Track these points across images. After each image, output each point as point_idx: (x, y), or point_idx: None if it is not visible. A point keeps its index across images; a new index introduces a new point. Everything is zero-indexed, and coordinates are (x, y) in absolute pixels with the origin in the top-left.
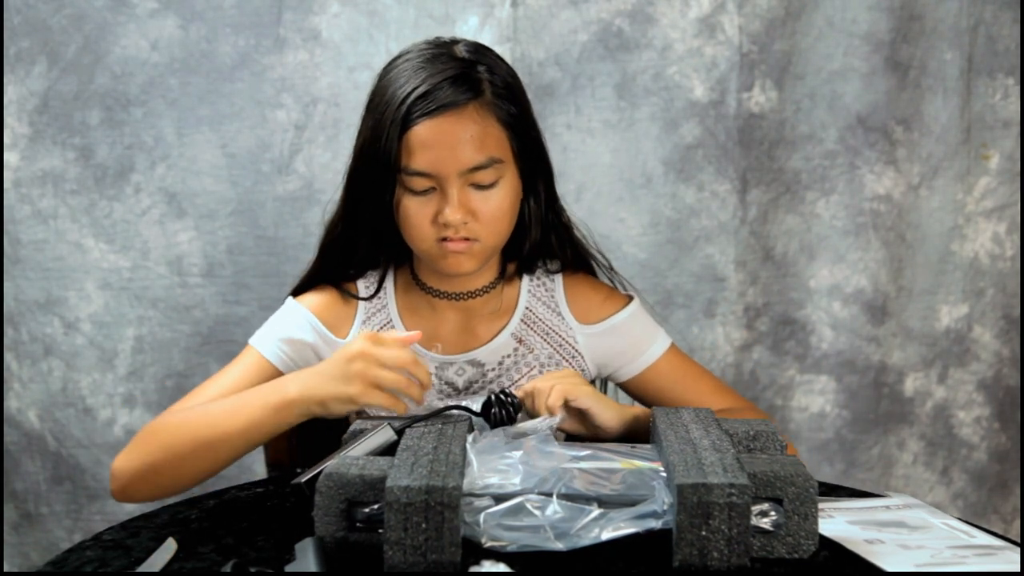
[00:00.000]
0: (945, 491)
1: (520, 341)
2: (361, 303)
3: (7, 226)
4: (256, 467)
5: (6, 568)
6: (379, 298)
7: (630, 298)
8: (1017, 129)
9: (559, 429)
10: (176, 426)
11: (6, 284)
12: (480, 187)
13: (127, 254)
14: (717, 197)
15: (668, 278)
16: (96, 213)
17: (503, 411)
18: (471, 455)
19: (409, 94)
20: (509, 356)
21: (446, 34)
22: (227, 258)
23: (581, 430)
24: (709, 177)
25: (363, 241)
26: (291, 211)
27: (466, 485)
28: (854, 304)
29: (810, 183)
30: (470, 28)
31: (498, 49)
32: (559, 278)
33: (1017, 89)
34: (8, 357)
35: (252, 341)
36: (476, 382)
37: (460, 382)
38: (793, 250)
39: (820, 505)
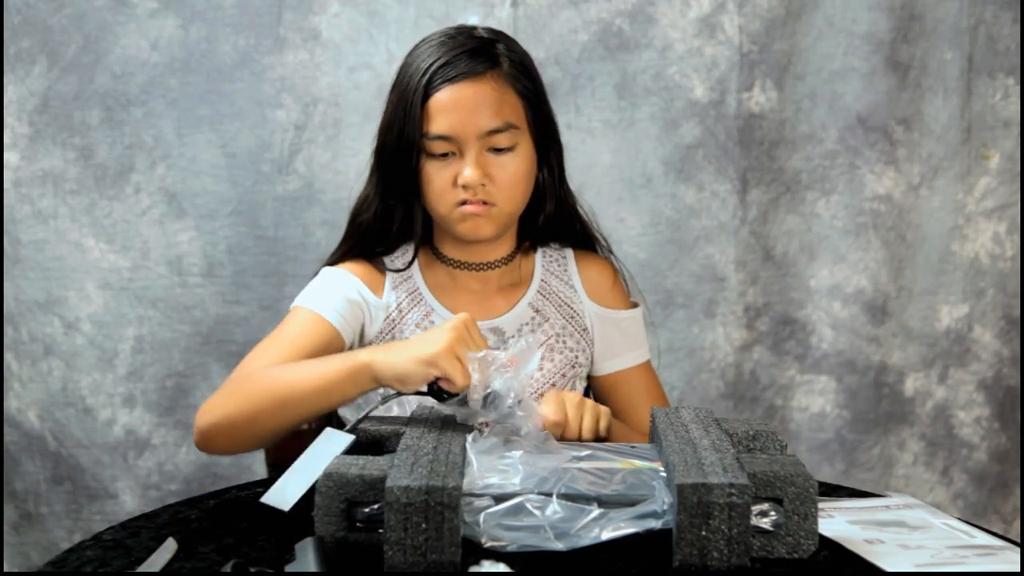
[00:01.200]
0: (945, 491)
1: (537, 311)
2: (389, 273)
3: (7, 226)
4: (256, 467)
5: (6, 568)
6: (406, 270)
7: (636, 304)
8: (1017, 129)
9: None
10: (256, 382)
11: (7, 284)
12: (497, 152)
13: (127, 254)
14: (717, 197)
15: (668, 278)
16: (96, 213)
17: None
18: (471, 455)
19: (431, 65)
20: (527, 324)
21: None
22: (227, 258)
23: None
24: (709, 177)
25: (396, 214)
26: (291, 211)
27: (466, 485)
28: (854, 304)
29: (810, 183)
30: None
31: None
32: (569, 253)
33: (1017, 89)
34: (8, 357)
35: (302, 303)
36: (496, 350)
37: None
38: (793, 250)
39: (820, 505)
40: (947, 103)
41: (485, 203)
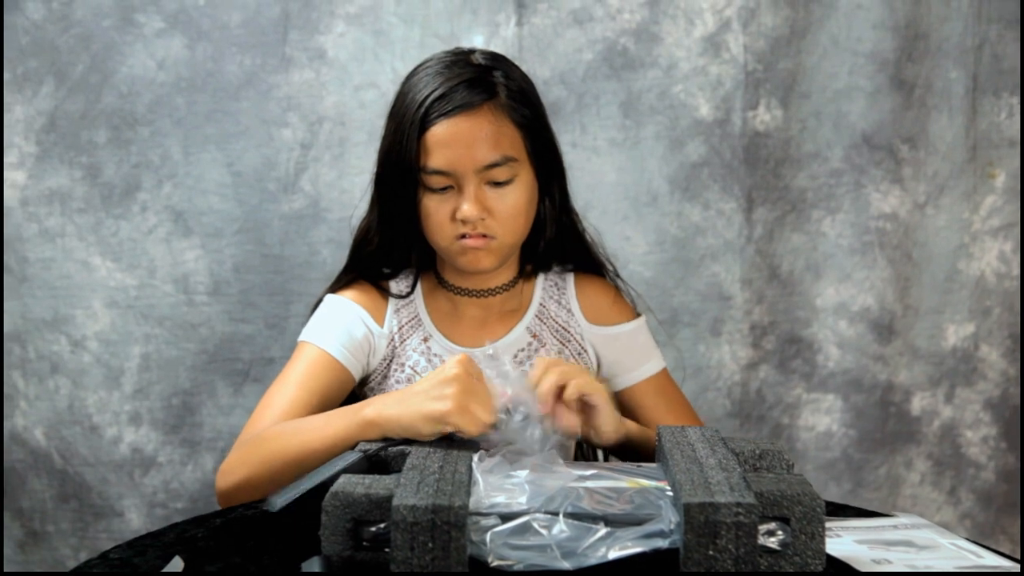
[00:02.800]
0: (952, 511)
1: (534, 336)
2: (391, 298)
3: (15, 244)
4: None
5: None
6: (409, 295)
7: (638, 314)
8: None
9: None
10: (270, 443)
11: (14, 302)
12: (496, 185)
13: (134, 272)
14: (723, 215)
15: (674, 296)
16: (103, 231)
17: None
18: (477, 474)
19: (427, 96)
20: (523, 350)
21: None
22: (233, 276)
23: (575, 431)
24: (715, 195)
25: (398, 241)
26: (297, 229)
27: (472, 504)
28: (860, 323)
29: (816, 201)
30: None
31: None
32: (570, 277)
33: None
34: (15, 375)
35: (308, 338)
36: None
37: None
38: (799, 268)
39: (827, 524)
40: (952, 122)
41: (485, 236)
